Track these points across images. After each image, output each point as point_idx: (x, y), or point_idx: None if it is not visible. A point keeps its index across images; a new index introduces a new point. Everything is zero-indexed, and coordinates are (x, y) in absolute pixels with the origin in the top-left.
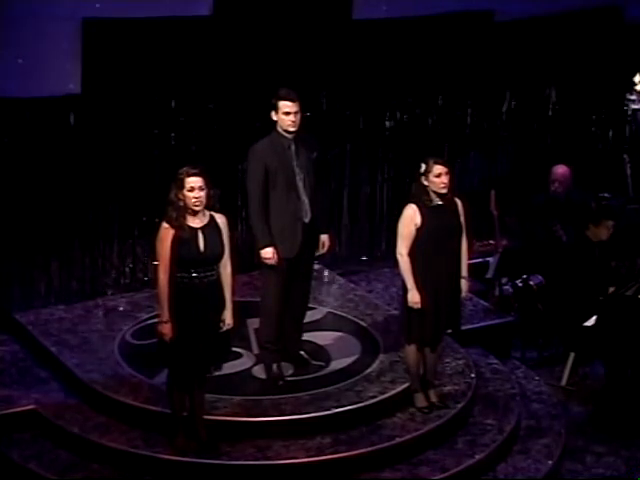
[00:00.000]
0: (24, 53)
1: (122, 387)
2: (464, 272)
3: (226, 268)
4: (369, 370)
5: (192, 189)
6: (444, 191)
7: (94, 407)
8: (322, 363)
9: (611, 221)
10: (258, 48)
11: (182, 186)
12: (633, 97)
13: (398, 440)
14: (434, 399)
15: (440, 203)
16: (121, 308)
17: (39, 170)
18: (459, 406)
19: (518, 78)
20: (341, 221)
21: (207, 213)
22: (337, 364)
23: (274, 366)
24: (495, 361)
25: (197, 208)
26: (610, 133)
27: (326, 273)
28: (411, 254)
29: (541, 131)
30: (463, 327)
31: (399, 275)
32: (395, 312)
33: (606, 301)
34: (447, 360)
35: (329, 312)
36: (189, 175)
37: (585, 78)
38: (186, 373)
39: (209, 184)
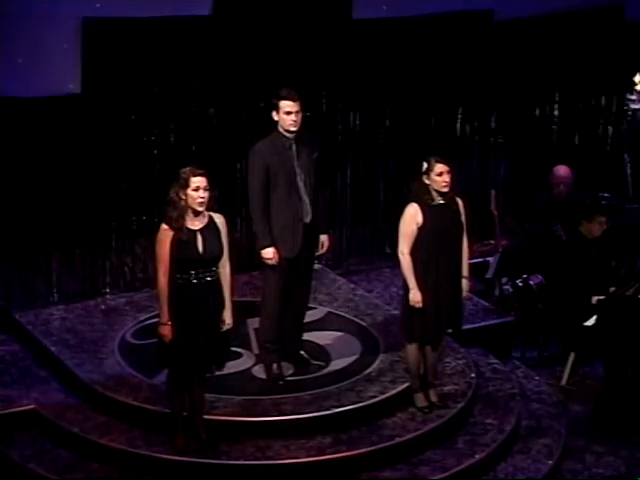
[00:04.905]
0: (24, 53)
1: (122, 387)
2: (465, 272)
3: (225, 268)
4: (369, 370)
5: (197, 189)
6: (446, 190)
7: (94, 407)
8: (322, 363)
9: (604, 217)
10: (258, 48)
11: (186, 185)
12: (633, 97)
13: (398, 440)
14: (434, 399)
15: (442, 202)
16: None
17: (39, 170)
18: (459, 406)
19: (517, 78)
20: (343, 220)
21: (206, 214)
22: (337, 364)
23: (274, 366)
24: (495, 361)
25: (200, 208)
26: (610, 133)
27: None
28: (412, 253)
29: (541, 131)
30: (463, 327)
31: (400, 274)
32: (395, 312)
33: (606, 301)
34: (447, 360)
35: (329, 312)
36: (195, 175)
37: (585, 78)
38: (186, 373)
39: (212, 186)
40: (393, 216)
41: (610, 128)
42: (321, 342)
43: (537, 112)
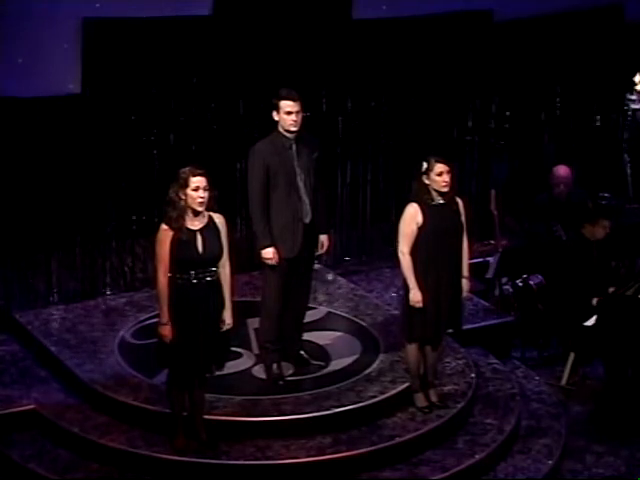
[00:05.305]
0: (24, 53)
1: (122, 387)
2: (465, 271)
3: (225, 268)
4: (369, 370)
5: (197, 189)
6: (445, 190)
7: (94, 407)
8: (322, 363)
9: (607, 221)
10: (258, 48)
11: (186, 185)
12: (633, 97)
13: (398, 440)
14: (434, 399)
15: (442, 202)
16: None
17: (39, 170)
18: (459, 406)
19: (517, 78)
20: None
21: (206, 214)
22: (337, 364)
23: (274, 366)
24: (495, 361)
25: (200, 208)
26: (610, 133)
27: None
28: (413, 253)
29: (541, 131)
30: (463, 327)
31: (400, 274)
32: (395, 312)
33: (606, 301)
34: (447, 360)
35: (329, 312)
36: (194, 175)
37: (585, 78)
38: (186, 373)
39: (211, 186)
40: (393, 216)
41: (610, 128)
42: (321, 342)
43: (536, 112)
